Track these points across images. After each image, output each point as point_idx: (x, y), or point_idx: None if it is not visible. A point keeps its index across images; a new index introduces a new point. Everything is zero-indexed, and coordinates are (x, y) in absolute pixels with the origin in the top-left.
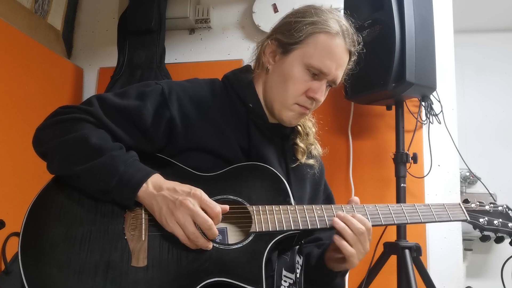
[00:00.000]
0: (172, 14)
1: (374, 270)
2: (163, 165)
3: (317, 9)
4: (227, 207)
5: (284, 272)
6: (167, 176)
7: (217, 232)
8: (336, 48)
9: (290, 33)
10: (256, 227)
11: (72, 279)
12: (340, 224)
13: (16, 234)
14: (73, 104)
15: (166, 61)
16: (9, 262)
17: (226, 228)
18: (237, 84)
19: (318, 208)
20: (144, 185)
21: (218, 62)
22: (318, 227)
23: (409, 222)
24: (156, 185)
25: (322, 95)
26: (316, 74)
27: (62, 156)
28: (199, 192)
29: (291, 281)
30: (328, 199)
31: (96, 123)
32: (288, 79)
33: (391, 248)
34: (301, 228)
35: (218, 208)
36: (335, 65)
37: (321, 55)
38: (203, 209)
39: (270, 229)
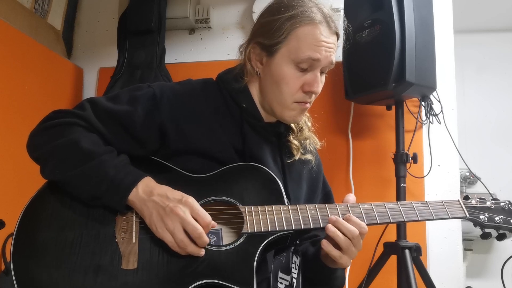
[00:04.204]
0: (172, 14)
1: (374, 270)
2: (156, 168)
3: (291, 0)
4: (215, 224)
5: (279, 274)
6: (160, 179)
7: (207, 240)
8: (321, 35)
9: (270, 34)
10: (248, 228)
11: (62, 281)
12: (330, 229)
13: None
14: (66, 109)
15: (166, 61)
16: (9, 262)
17: (220, 229)
18: (231, 88)
19: (311, 208)
20: (134, 189)
21: (218, 62)
22: (312, 226)
23: (405, 220)
24: (146, 190)
25: (318, 86)
26: (306, 67)
27: (53, 161)
28: (191, 200)
29: (287, 283)
30: (327, 197)
31: (88, 127)
32: (280, 80)
33: (391, 248)
34: (293, 228)
35: (209, 218)
36: (324, 50)
37: (306, 45)
38: (193, 218)
39: (262, 230)
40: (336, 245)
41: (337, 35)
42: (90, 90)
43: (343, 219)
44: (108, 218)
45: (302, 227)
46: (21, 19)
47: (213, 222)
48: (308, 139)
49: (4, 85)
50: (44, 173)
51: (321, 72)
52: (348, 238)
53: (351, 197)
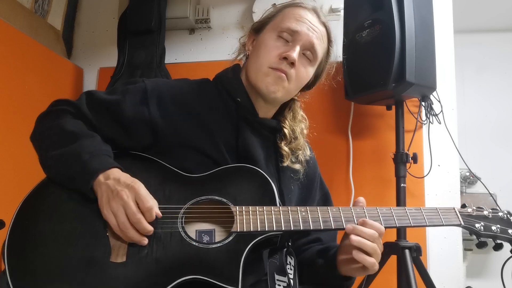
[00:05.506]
0: (172, 14)
1: None
2: (151, 166)
3: None
4: (159, 213)
5: (276, 276)
6: (156, 177)
7: (148, 227)
8: (306, 15)
9: (263, 17)
10: (237, 227)
11: (53, 274)
12: (355, 239)
13: None
14: (66, 98)
15: (166, 61)
16: None
17: (214, 229)
18: (226, 79)
19: (303, 210)
20: (100, 174)
21: (218, 62)
22: (301, 228)
23: (398, 225)
24: (106, 175)
25: (295, 53)
26: (288, 40)
27: (41, 144)
28: (138, 185)
29: (285, 284)
30: (325, 197)
31: (76, 113)
32: (261, 48)
33: (391, 248)
34: (283, 229)
35: (150, 204)
36: (306, 26)
37: (289, 19)
38: (137, 203)
39: (252, 230)
40: (365, 253)
41: (326, 28)
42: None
43: (358, 223)
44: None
45: (292, 229)
46: (21, 19)
47: (157, 211)
48: (301, 151)
49: (4, 85)
50: (39, 161)
51: (305, 56)
52: (372, 241)
53: (361, 200)
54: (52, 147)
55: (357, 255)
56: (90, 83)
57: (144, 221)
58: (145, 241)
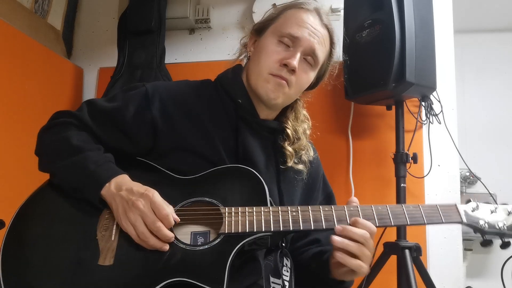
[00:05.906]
0: (172, 14)
1: (374, 270)
2: (144, 170)
3: None
4: (177, 218)
5: (271, 279)
6: (148, 181)
7: (168, 233)
8: (308, 18)
9: (265, 19)
10: (225, 228)
11: (43, 277)
12: (337, 240)
13: None
14: (66, 110)
15: (166, 61)
16: None
17: (209, 231)
18: (226, 80)
19: (293, 210)
20: (107, 184)
21: (218, 62)
22: (291, 229)
23: (393, 224)
24: (117, 185)
25: (295, 60)
26: (288, 45)
27: (47, 155)
28: (152, 193)
29: (279, 287)
30: (328, 198)
31: (80, 125)
32: (262, 53)
33: (391, 248)
34: (272, 230)
35: (167, 211)
36: (308, 32)
37: (291, 22)
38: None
39: (240, 231)
40: (351, 254)
41: (328, 30)
42: (90, 90)
43: (350, 223)
44: (93, 217)
45: (281, 229)
46: (21, 19)
47: (175, 216)
48: (304, 150)
49: (4, 85)
50: (40, 167)
51: (306, 61)
52: (361, 243)
53: (354, 199)
54: (58, 157)
55: (341, 257)
56: (90, 83)
57: (164, 228)
58: (167, 247)
